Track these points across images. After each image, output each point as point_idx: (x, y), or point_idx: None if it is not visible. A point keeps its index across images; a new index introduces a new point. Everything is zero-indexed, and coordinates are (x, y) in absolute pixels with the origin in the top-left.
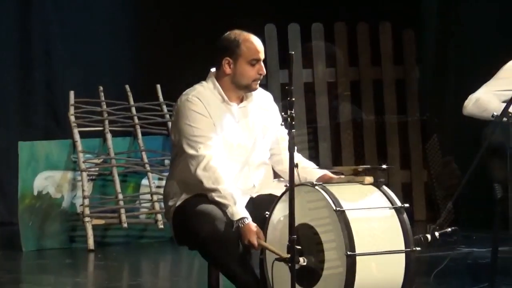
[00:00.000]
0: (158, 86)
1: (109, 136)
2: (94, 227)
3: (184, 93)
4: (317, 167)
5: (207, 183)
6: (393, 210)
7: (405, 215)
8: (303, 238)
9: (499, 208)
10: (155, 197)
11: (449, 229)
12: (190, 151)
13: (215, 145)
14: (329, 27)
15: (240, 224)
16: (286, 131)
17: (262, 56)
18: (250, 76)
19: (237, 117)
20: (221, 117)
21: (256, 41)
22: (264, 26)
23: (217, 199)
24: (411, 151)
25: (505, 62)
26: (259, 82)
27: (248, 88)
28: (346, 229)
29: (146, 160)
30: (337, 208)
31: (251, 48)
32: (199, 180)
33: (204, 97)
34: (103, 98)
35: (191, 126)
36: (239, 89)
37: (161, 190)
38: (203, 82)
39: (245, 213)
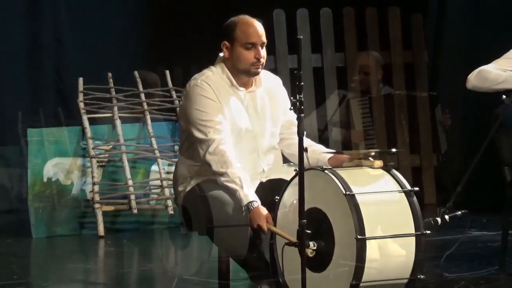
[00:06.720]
0: (167, 72)
1: (118, 122)
2: (104, 214)
3: (193, 78)
4: (327, 150)
5: (216, 167)
6: (403, 194)
7: (415, 199)
8: (313, 223)
9: (510, 191)
10: (165, 183)
11: (459, 212)
12: (200, 136)
13: (225, 129)
14: (338, 12)
15: (250, 207)
16: (295, 115)
17: (259, 40)
18: (246, 60)
19: (245, 102)
20: (229, 102)
21: (253, 25)
22: (273, 12)
23: (225, 183)
24: (421, 135)
25: None
26: (259, 66)
27: (247, 73)
28: (356, 213)
29: (155, 146)
30: (347, 192)
31: (245, 32)
32: (208, 163)
33: (213, 82)
34: (112, 85)
35: (200, 111)
36: (239, 74)
37: (171, 176)
38: (212, 67)
39: (254, 197)
